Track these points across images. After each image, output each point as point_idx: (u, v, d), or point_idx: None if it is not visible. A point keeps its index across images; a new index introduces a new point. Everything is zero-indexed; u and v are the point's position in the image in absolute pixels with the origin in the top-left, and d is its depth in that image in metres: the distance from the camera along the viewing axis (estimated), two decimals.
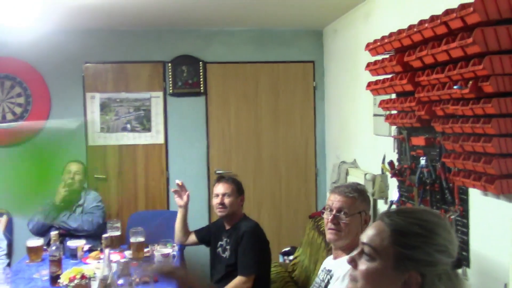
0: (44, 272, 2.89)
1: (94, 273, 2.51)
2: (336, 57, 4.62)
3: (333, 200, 2.27)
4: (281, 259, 4.39)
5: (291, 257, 4.16)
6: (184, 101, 4.85)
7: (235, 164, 4.92)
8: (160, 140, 4.82)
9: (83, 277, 2.43)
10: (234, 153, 4.93)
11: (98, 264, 2.98)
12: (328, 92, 4.93)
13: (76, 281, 2.41)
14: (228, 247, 3.19)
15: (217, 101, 4.89)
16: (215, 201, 3.26)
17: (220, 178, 3.38)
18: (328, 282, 2.23)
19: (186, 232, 3.54)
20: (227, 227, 3.28)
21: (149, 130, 4.80)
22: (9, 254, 4.54)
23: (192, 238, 3.54)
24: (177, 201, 3.55)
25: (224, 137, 4.91)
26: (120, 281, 2.08)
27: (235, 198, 3.25)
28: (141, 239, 3.22)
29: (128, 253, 3.31)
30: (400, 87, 2.72)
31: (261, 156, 4.96)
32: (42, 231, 3.87)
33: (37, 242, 3.27)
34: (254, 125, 4.94)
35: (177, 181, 3.54)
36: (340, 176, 4.14)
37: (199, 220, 4.52)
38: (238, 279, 2.98)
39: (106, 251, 2.45)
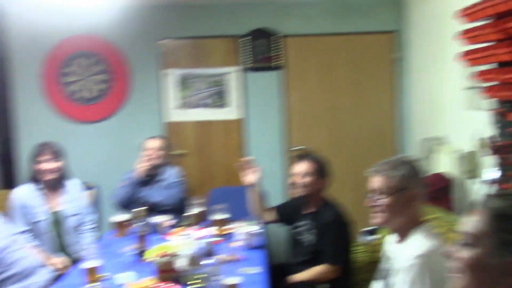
0: (130, 247, 2.92)
1: (179, 251, 2.50)
2: (419, 27, 4.34)
3: (372, 181, 2.10)
4: (363, 238, 4.25)
5: (374, 237, 4.01)
6: (261, 76, 4.76)
7: (313, 140, 4.80)
8: (238, 116, 4.77)
9: (167, 254, 2.42)
10: (312, 129, 4.80)
11: (182, 240, 2.97)
12: (411, 64, 4.65)
13: (161, 258, 2.40)
14: (309, 232, 3.07)
15: (295, 75, 4.76)
16: (292, 180, 3.14)
17: (302, 156, 3.23)
18: (388, 272, 2.08)
19: (265, 209, 3.45)
20: (307, 211, 3.14)
21: (226, 106, 4.76)
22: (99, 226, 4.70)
23: (272, 216, 3.44)
24: (246, 180, 3.36)
25: (302, 113, 4.79)
26: (205, 261, 2.04)
27: (316, 179, 3.06)
28: (224, 216, 3.19)
29: (211, 230, 3.30)
30: (505, 56, 2.48)
31: (340, 131, 4.80)
32: (127, 205, 3.94)
33: (124, 217, 3.33)
34: (333, 100, 4.78)
35: (244, 159, 3.42)
36: (426, 154, 3.92)
37: (273, 199, 4.45)
38: (326, 267, 2.88)
39: (191, 228, 2.42)
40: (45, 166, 3.52)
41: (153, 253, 2.44)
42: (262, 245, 3.00)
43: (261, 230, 3.24)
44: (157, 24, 4.70)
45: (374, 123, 4.79)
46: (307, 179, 3.05)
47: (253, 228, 3.01)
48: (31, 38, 4.67)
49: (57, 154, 3.60)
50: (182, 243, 2.94)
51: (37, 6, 4.44)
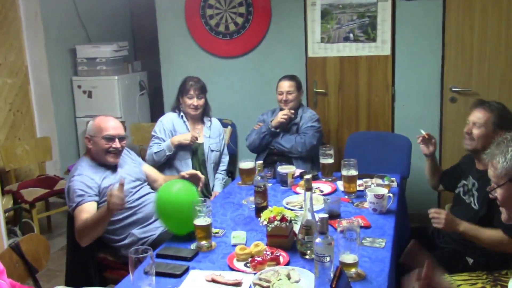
0: (252, 199, 2.77)
1: (296, 216, 2.26)
2: None
3: None
4: None
5: None
6: (416, 5, 4.11)
7: (476, 81, 4.09)
8: (386, 51, 4.24)
9: (283, 219, 2.20)
10: (476, 68, 4.08)
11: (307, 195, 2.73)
12: None
13: (275, 223, 2.19)
14: (476, 193, 2.58)
15: (458, 4, 4.02)
16: (467, 128, 2.64)
17: (481, 102, 2.67)
18: None
19: (437, 179, 3.05)
20: (479, 167, 2.64)
21: (374, 40, 4.24)
22: (233, 162, 4.70)
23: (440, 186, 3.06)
24: (422, 148, 3.00)
25: (464, 49, 4.07)
26: (318, 239, 1.77)
27: (495, 132, 2.53)
28: (353, 172, 2.85)
29: (340, 184, 3.01)
30: None
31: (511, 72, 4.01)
32: (258, 149, 3.81)
33: (249, 164, 3.17)
34: (505, 32, 3.96)
35: (424, 133, 2.98)
36: None
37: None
38: (501, 236, 2.36)
39: (308, 193, 2.15)
40: (190, 101, 3.53)
41: (267, 216, 2.23)
42: (396, 211, 2.62)
43: (396, 191, 2.85)
44: None
45: None
46: (483, 130, 2.57)
47: (385, 191, 2.63)
48: None
49: (202, 91, 3.59)
50: (304, 200, 2.72)
51: None
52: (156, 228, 2.77)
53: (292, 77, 3.80)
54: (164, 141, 3.54)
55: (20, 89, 4.80)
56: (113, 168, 2.81)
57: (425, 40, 4.14)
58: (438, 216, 2.41)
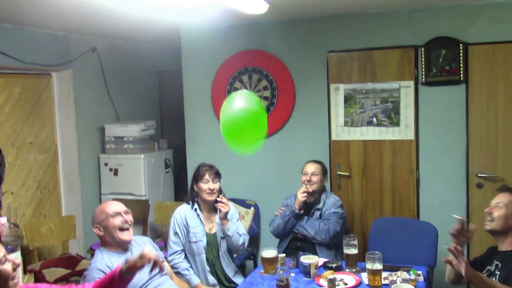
0: None
1: None
2: None
3: None
4: None
5: None
6: (439, 91, 4.16)
7: (503, 166, 4.05)
8: (410, 135, 4.25)
9: None
10: (502, 153, 4.05)
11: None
12: None
13: None
14: (498, 273, 2.54)
15: (481, 90, 4.06)
16: (488, 210, 2.67)
17: (504, 187, 2.74)
18: None
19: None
20: (502, 248, 2.63)
21: (397, 124, 4.27)
22: (256, 245, 4.65)
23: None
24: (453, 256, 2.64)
25: (488, 134, 4.07)
26: None
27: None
28: (378, 266, 2.79)
29: (364, 276, 2.93)
30: None
31: None
32: (282, 235, 3.77)
33: (272, 253, 3.14)
34: None
35: (459, 217, 2.73)
36: None
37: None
38: None
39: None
40: (206, 186, 3.53)
41: None
42: None
43: (423, 286, 2.77)
44: (324, 36, 4.42)
45: None
46: (502, 211, 2.60)
47: (410, 286, 2.55)
48: (202, 55, 4.78)
49: (217, 175, 3.59)
50: None
51: (208, 23, 4.50)
52: None
53: (318, 161, 3.84)
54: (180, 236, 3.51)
55: (49, 166, 4.93)
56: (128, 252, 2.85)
57: (449, 125, 4.16)
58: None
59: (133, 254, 2.80)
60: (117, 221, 2.79)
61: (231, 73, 4.70)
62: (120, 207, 2.87)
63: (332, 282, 2.13)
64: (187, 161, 4.96)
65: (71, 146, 5.05)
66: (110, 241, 2.81)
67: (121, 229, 2.80)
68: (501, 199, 2.64)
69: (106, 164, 5.24)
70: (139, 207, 4.88)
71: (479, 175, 4.09)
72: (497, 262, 2.60)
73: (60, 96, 5.02)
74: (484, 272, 2.68)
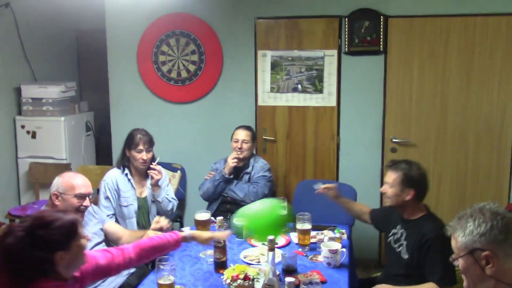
0: (210, 253, 2.82)
1: (258, 273, 2.35)
2: None
3: None
4: None
5: None
6: (360, 61, 4.38)
7: (415, 133, 4.38)
8: (332, 102, 4.46)
9: (246, 277, 2.28)
10: (414, 120, 4.38)
11: (263, 249, 2.82)
12: None
13: (238, 281, 2.27)
14: (404, 242, 2.78)
15: (398, 60, 4.32)
16: (383, 189, 2.86)
17: (393, 164, 2.87)
18: None
19: (358, 214, 3.26)
20: (405, 217, 2.85)
21: (320, 91, 4.46)
22: (182, 208, 4.72)
23: (366, 217, 3.21)
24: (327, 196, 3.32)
25: (403, 102, 4.37)
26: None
27: (403, 190, 2.76)
28: (307, 225, 2.98)
29: (293, 236, 3.12)
30: None
31: (446, 124, 4.33)
32: (212, 198, 3.87)
33: (205, 216, 3.22)
34: (441, 89, 4.29)
35: (321, 186, 3.31)
36: None
37: (368, 196, 4.17)
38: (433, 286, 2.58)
39: (270, 253, 2.24)
40: (140, 155, 3.51)
41: (230, 274, 2.30)
42: (348, 265, 2.76)
43: (346, 243, 3.00)
44: (252, 2, 4.46)
45: (488, 117, 4.24)
46: (392, 190, 2.79)
47: (338, 246, 2.76)
48: (127, 16, 4.65)
49: (151, 144, 3.58)
50: (261, 252, 2.81)
51: None
52: None
53: (248, 127, 3.93)
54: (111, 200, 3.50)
55: None
56: None
57: (368, 93, 4.41)
58: None
59: None
60: (79, 203, 2.74)
61: (158, 36, 4.63)
62: (87, 188, 2.80)
63: (272, 242, 2.26)
64: (111, 125, 4.87)
65: None
66: None
67: (78, 210, 2.74)
68: (387, 178, 2.82)
69: (23, 127, 5.01)
70: (61, 171, 4.64)
71: (393, 140, 4.40)
72: (402, 230, 2.83)
73: None
74: (390, 235, 2.92)
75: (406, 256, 2.74)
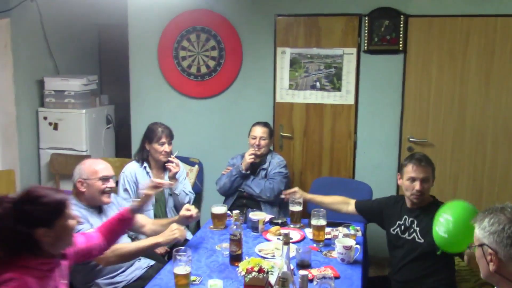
0: (225, 245, 2.87)
1: (272, 267, 2.39)
2: None
3: None
4: None
5: None
6: (379, 59, 4.39)
7: (432, 132, 4.38)
8: (350, 100, 4.48)
9: (260, 270, 2.32)
10: (432, 120, 4.37)
11: (278, 244, 2.87)
12: None
13: (253, 274, 2.31)
14: (417, 229, 2.83)
15: (417, 60, 4.32)
16: (419, 187, 2.84)
17: (418, 160, 2.90)
18: None
19: (333, 206, 3.29)
20: (411, 206, 2.91)
21: (339, 89, 4.48)
22: (199, 201, 4.78)
23: (351, 208, 3.26)
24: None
25: (421, 101, 4.37)
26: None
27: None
28: (322, 222, 3.01)
29: (308, 232, 3.16)
30: None
31: (464, 125, 4.32)
32: (228, 193, 3.92)
33: (221, 209, 3.28)
34: (459, 90, 4.29)
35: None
36: None
37: (383, 194, 4.14)
38: None
39: (285, 248, 2.28)
40: (162, 148, 3.58)
41: (245, 266, 2.35)
42: (362, 261, 2.79)
43: (361, 240, 3.03)
44: (273, 0, 4.50)
45: (507, 118, 4.23)
46: (428, 185, 2.89)
47: (352, 242, 2.80)
48: (149, 12, 4.71)
49: (171, 137, 3.65)
50: (276, 246, 2.85)
51: None
52: (120, 282, 2.84)
53: (266, 124, 3.98)
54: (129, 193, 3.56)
55: None
56: (98, 212, 2.87)
57: (386, 92, 4.41)
58: None
59: (107, 215, 2.85)
60: (104, 185, 2.82)
61: (179, 31, 4.69)
62: (109, 171, 2.88)
63: (287, 236, 2.30)
64: (131, 118, 4.95)
65: (8, 99, 4.88)
66: (88, 198, 2.84)
67: (104, 192, 2.83)
68: (419, 174, 2.81)
69: (45, 118, 5.12)
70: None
71: (410, 139, 4.40)
72: (412, 218, 2.88)
73: None
74: (395, 227, 2.96)
75: (421, 240, 2.80)
